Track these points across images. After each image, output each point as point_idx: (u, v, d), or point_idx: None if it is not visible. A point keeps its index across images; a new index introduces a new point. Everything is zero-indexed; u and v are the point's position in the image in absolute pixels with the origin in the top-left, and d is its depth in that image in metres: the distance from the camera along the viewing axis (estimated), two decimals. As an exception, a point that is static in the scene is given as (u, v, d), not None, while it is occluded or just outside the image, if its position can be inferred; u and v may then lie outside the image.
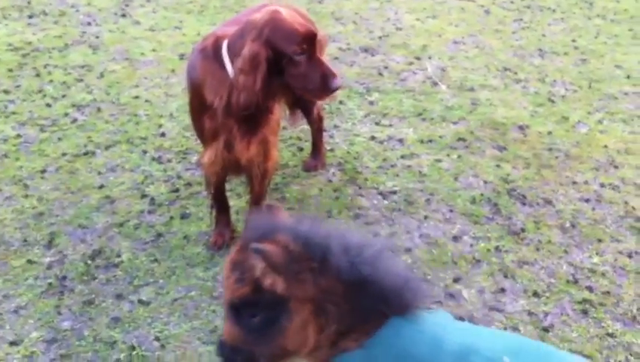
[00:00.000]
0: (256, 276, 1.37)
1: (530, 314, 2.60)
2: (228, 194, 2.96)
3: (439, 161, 3.52)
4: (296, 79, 2.43)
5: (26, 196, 3.13)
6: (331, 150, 3.54)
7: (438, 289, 2.71)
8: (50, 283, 2.68)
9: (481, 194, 3.27)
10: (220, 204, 2.91)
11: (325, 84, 2.43)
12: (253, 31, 2.40)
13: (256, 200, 2.85)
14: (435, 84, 4.26)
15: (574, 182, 3.36)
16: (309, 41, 2.40)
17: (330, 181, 3.33)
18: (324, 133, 3.45)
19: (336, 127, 3.75)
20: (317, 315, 1.41)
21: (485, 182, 3.36)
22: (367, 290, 1.40)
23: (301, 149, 3.55)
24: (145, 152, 3.47)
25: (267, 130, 2.64)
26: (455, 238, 2.99)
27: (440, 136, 3.71)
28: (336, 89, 2.46)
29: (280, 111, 2.77)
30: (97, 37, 4.60)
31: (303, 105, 3.21)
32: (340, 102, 3.98)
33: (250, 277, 1.38)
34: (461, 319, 2.57)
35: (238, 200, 3.13)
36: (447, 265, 2.84)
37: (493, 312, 2.61)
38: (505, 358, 1.38)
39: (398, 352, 1.40)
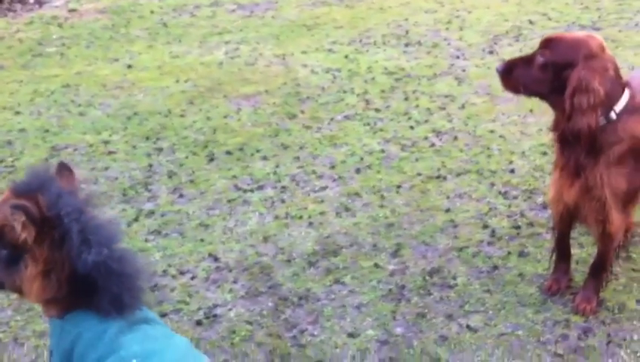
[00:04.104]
0: (14, 221, 1.55)
1: None
2: (571, 241, 2.91)
3: None
4: None
5: (381, 206, 3.45)
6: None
7: None
8: (390, 289, 2.92)
9: None
10: (562, 250, 2.88)
11: None
12: None
13: (599, 259, 2.75)
14: None
15: None
16: None
17: (686, 249, 3.06)
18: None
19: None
20: (44, 277, 1.59)
21: None
22: (88, 280, 1.57)
23: (658, 210, 3.32)
24: (492, 185, 3.57)
25: (602, 187, 2.50)
26: None
27: None
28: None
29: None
30: (464, 70, 4.85)
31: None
32: None
33: (10, 219, 1.56)
34: None
35: (579, 249, 3.06)
36: None
37: None
38: (134, 360, 1.52)
39: (76, 333, 1.60)
